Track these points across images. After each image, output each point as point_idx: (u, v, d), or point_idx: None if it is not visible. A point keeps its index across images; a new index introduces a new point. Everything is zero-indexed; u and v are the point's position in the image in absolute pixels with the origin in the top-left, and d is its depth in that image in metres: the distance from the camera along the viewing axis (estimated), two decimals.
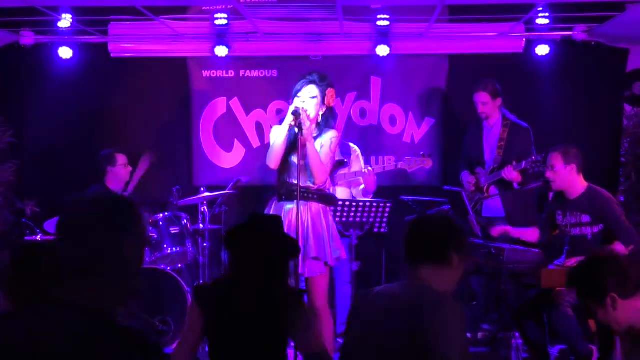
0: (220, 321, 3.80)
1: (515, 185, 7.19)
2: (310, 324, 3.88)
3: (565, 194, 6.20)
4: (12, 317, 2.19)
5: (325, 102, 5.66)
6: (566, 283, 3.77)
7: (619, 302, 3.33)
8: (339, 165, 6.68)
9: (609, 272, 3.36)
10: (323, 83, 5.65)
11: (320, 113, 5.68)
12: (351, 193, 7.12)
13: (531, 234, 6.46)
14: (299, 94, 5.63)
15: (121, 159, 7.45)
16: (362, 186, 7.15)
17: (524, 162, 6.81)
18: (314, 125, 5.61)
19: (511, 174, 6.98)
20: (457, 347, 3.09)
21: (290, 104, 5.70)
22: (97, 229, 2.14)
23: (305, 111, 5.51)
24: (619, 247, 5.84)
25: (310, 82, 5.64)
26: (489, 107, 7.30)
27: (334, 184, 6.64)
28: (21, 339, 2.05)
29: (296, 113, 5.47)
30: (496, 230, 6.59)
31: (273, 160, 5.65)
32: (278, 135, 5.61)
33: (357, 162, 7.22)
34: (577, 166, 6.10)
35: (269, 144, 5.85)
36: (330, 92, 5.67)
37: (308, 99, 5.60)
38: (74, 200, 2.24)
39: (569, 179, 6.12)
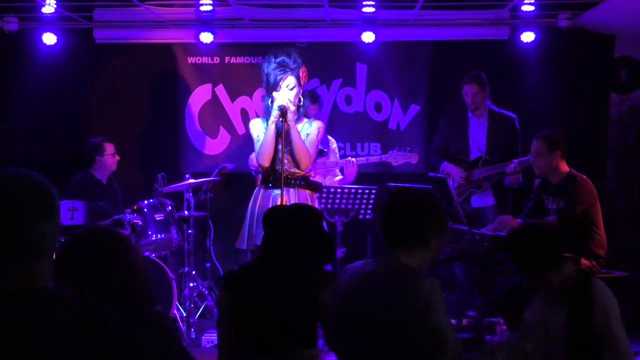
0: (245, 304, 3.81)
1: (507, 181, 7.23)
2: None
3: (548, 179, 6.22)
4: None
5: (301, 84, 5.66)
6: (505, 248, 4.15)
7: (546, 273, 3.89)
8: (319, 154, 6.68)
9: (537, 251, 3.87)
10: (295, 66, 5.62)
11: (300, 96, 5.69)
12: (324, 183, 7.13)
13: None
14: (278, 87, 5.58)
15: (109, 148, 7.46)
16: (339, 177, 7.17)
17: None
18: (293, 107, 5.60)
19: (513, 168, 6.94)
20: (444, 318, 3.10)
21: (266, 91, 5.70)
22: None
23: (290, 102, 5.52)
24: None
25: (286, 72, 5.58)
26: (478, 98, 7.31)
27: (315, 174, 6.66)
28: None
29: (282, 109, 5.47)
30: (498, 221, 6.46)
31: (266, 157, 5.64)
32: (267, 133, 5.58)
33: (334, 154, 7.26)
34: (561, 152, 6.11)
35: None
36: (303, 71, 5.65)
37: (288, 92, 5.57)
38: None
39: (552, 164, 6.12)
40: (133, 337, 2.33)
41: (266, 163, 5.66)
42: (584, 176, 6.13)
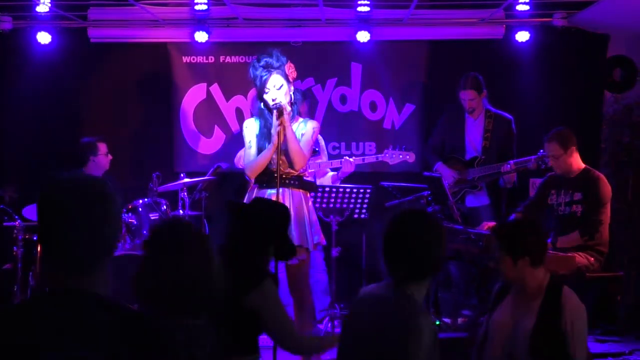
0: None
1: (501, 181, 7.25)
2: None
3: (561, 175, 6.23)
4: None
5: (290, 79, 5.61)
6: (495, 233, 4.14)
7: (526, 267, 3.94)
8: (312, 154, 6.68)
9: (530, 242, 3.95)
10: (279, 64, 5.57)
11: (291, 93, 5.65)
12: None
13: None
14: (265, 89, 5.55)
15: (103, 147, 7.44)
16: (330, 173, 7.16)
17: (533, 158, 6.72)
18: (289, 108, 5.59)
19: (509, 168, 6.95)
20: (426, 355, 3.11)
21: (257, 95, 5.68)
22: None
23: (284, 104, 5.49)
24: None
25: (270, 72, 5.55)
26: (475, 102, 7.33)
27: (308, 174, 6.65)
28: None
29: (279, 108, 5.43)
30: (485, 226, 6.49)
31: (254, 173, 5.58)
32: (267, 150, 5.50)
33: (324, 153, 7.25)
34: (575, 146, 6.15)
35: None
36: (289, 67, 5.61)
37: (276, 91, 5.53)
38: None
39: (570, 161, 6.17)
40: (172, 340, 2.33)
41: (252, 176, 5.60)
42: (602, 175, 6.17)
